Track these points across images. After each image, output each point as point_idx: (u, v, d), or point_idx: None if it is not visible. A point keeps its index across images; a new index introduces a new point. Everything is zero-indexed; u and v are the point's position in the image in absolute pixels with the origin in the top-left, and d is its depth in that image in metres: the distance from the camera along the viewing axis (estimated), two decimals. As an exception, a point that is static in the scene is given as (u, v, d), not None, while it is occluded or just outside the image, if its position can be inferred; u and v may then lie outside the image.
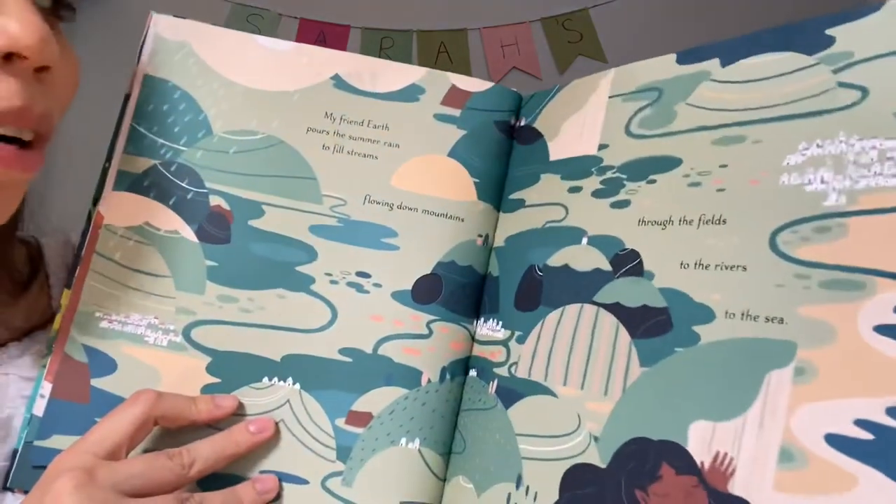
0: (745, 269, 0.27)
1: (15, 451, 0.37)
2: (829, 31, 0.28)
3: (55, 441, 0.37)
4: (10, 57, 0.30)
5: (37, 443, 0.37)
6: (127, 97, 0.41)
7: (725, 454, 0.25)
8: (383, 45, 1.28)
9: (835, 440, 0.23)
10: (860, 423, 0.22)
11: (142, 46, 0.41)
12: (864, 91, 0.26)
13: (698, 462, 0.26)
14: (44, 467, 0.36)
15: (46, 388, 0.37)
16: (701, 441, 0.26)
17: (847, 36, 0.27)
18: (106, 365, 0.38)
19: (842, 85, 0.27)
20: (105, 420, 0.34)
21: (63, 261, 0.44)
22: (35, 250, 0.44)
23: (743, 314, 0.27)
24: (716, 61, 0.32)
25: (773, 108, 0.29)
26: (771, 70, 0.29)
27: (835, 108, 0.27)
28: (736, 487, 0.24)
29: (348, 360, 0.38)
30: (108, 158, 0.40)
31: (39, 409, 0.37)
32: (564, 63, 1.30)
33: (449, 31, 1.30)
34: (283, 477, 0.37)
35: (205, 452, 0.35)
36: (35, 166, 0.33)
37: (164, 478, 0.33)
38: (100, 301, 0.38)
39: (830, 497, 0.22)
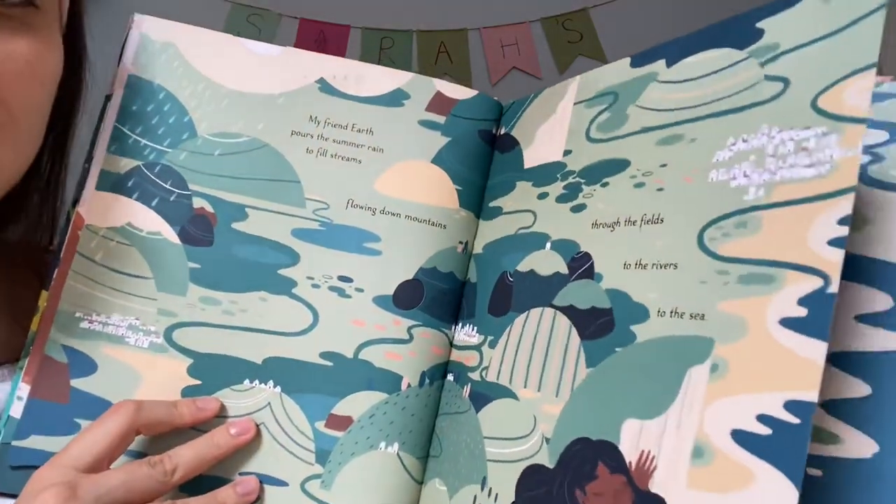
0: (676, 266, 0.28)
1: None
2: (759, 24, 0.28)
3: (34, 441, 0.37)
4: None
5: (14, 443, 0.37)
6: (108, 98, 0.40)
7: (649, 452, 0.26)
8: (383, 45, 1.30)
9: (739, 436, 0.24)
10: (761, 417, 0.23)
11: (123, 47, 0.41)
12: (786, 82, 0.26)
13: (627, 461, 0.27)
14: (22, 468, 0.37)
15: (24, 389, 0.38)
16: (631, 440, 0.27)
17: (774, 27, 0.28)
18: (86, 365, 0.38)
19: (767, 78, 0.27)
20: (86, 432, 0.35)
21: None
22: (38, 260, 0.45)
23: (672, 312, 0.27)
24: (662, 62, 0.33)
25: (708, 106, 0.29)
26: (708, 67, 0.30)
27: (760, 102, 0.27)
28: (655, 485, 0.26)
29: (329, 364, 0.39)
30: (88, 159, 0.40)
31: (17, 410, 0.37)
32: (564, 63, 1.31)
33: (449, 31, 1.31)
34: (263, 479, 0.38)
35: (186, 457, 0.36)
36: None
37: (147, 487, 0.34)
38: (80, 301, 0.39)
39: (731, 493, 0.23)
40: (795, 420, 0.22)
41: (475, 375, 0.38)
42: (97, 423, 0.35)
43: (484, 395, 0.37)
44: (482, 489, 0.34)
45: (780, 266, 0.24)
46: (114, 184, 0.41)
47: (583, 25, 1.32)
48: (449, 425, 0.39)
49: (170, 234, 0.40)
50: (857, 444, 0.24)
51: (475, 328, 0.39)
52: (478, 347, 0.39)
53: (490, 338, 0.38)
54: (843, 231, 0.23)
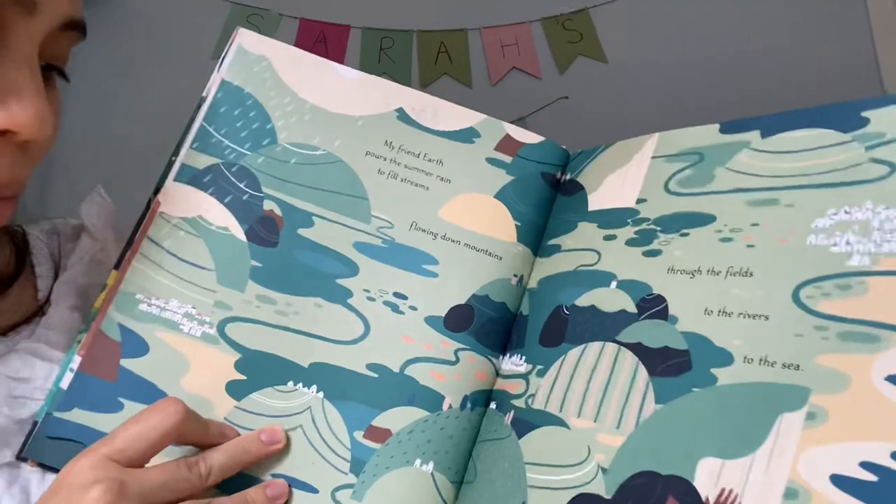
0: (766, 318, 0.30)
1: (35, 423, 0.37)
2: (864, 113, 0.31)
3: (75, 414, 0.37)
4: (4, 133, 0.31)
5: (56, 413, 0.37)
6: (202, 100, 0.43)
7: (731, 490, 0.27)
8: (383, 45, 1.29)
9: (840, 480, 0.25)
10: (865, 465, 0.24)
11: (224, 55, 0.44)
12: (893, 166, 0.29)
13: (703, 496, 0.28)
14: (58, 439, 0.37)
15: (76, 362, 0.38)
16: (708, 477, 0.28)
17: (880, 119, 0.31)
18: (138, 346, 0.39)
19: (874, 161, 0.30)
20: (132, 424, 0.34)
21: (49, 251, 0.44)
22: (20, 240, 0.44)
23: (761, 360, 0.29)
24: (756, 133, 0.35)
25: (807, 177, 0.32)
26: (808, 143, 0.33)
27: (865, 180, 0.30)
28: None
29: (375, 375, 0.39)
30: (175, 153, 0.42)
31: (66, 382, 0.37)
32: (564, 63, 1.31)
33: (449, 31, 1.31)
34: (293, 483, 0.38)
35: (219, 461, 0.36)
36: (7, 215, 0.34)
37: (184, 488, 0.34)
38: (142, 283, 0.40)
39: None
40: None
41: (520, 402, 0.38)
42: (144, 415, 0.34)
43: (528, 421, 0.37)
44: None
45: (886, 328, 0.26)
46: (192, 177, 0.42)
47: (583, 25, 1.32)
48: (487, 451, 0.39)
49: (237, 230, 0.42)
50: None
51: (523, 357, 0.40)
52: (524, 376, 0.39)
53: (539, 367, 0.38)
54: None
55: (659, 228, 0.37)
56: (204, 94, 0.43)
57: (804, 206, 0.31)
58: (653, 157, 0.39)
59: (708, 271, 0.33)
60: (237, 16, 1.29)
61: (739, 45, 1.29)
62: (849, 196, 0.30)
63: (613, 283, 0.37)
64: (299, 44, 1.28)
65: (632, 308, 0.35)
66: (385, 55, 1.29)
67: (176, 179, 0.42)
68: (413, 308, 0.41)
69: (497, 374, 0.41)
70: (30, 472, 0.37)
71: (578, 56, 1.31)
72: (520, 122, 1.25)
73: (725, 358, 0.30)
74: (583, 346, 0.37)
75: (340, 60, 1.26)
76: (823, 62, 1.26)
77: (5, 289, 0.41)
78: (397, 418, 0.39)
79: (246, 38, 0.45)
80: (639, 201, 0.39)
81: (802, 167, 0.32)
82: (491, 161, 0.44)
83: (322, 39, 1.31)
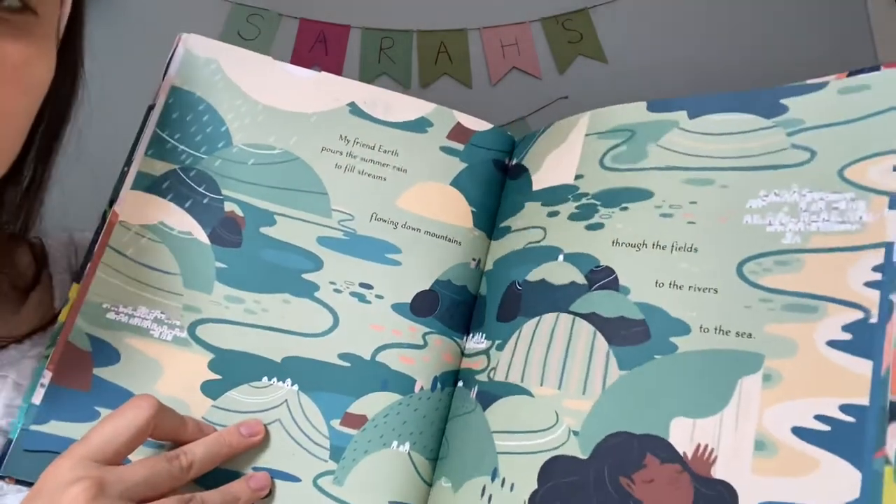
0: (716, 291, 0.33)
1: (9, 441, 0.37)
2: (783, 101, 0.34)
3: (51, 426, 0.38)
4: None
5: (32, 427, 0.37)
6: (150, 107, 0.43)
7: (706, 445, 0.30)
8: (383, 45, 1.28)
9: (800, 432, 0.28)
10: (819, 417, 0.28)
11: (169, 62, 0.44)
12: (813, 153, 0.33)
13: (681, 452, 0.30)
14: (36, 452, 0.37)
15: (47, 376, 0.38)
16: (683, 434, 0.31)
17: (798, 106, 0.34)
18: (109, 355, 0.39)
19: (795, 146, 0.33)
20: (105, 423, 0.34)
21: (67, 261, 0.45)
22: (39, 251, 0.45)
23: (716, 329, 0.32)
24: (683, 113, 0.38)
25: (737, 160, 0.35)
26: (733, 127, 0.36)
27: (789, 165, 0.33)
28: (718, 473, 0.29)
29: (347, 364, 0.41)
30: (128, 162, 0.42)
31: (39, 398, 0.38)
32: (564, 63, 1.31)
33: (449, 31, 1.30)
34: (275, 474, 0.39)
35: (200, 454, 0.37)
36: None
37: (165, 482, 0.35)
38: (108, 293, 0.40)
39: (799, 477, 0.27)
40: (851, 419, 0.26)
41: (482, 377, 0.40)
42: (117, 414, 0.35)
43: (490, 393, 0.39)
44: (493, 480, 0.36)
45: (822, 299, 0.29)
46: (149, 185, 0.42)
47: (583, 25, 1.32)
48: (457, 426, 0.41)
49: (200, 234, 0.42)
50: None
51: (483, 335, 0.42)
52: (486, 352, 0.41)
53: (498, 342, 0.40)
54: (878, 276, 0.28)
55: (599, 203, 0.39)
56: (152, 101, 0.44)
57: (737, 187, 0.34)
58: (587, 135, 0.41)
59: (653, 245, 0.36)
60: (237, 16, 1.27)
61: (739, 45, 1.30)
62: (777, 179, 0.33)
63: (561, 257, 0.39)
64: (299, 44, 1.26)
65: (581, 280, 0.38)
66: (385, 55, 1.28)
67: (133, 188, 0.42)
68: (379, 297, 0.42)
69: (462, 353, 0.43)
70: (7, 488, 0.37)
71: (578, 56, 1.31)
72: (520, 122, 1.25)
73: (683, 328, 0.33)
74: (537, 318, 0.39)
75: (340, 60, 1.25)
76: (824, 62, 1.28)
77: (24, 297, 0.41)
78: (372, 404, 0.41)
79: (192, 42, 0.45)
80: (577, 177, 0.41)
81: (731, 149, 0.35)
82: (444, 149, 0.45)
83: (322, 39, 1.29)
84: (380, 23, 1.30)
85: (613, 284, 0.36)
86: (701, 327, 0.32)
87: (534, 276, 0.40)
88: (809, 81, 0.34)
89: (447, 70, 1.30)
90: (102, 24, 1.21)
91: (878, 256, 0.29)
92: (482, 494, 0.36)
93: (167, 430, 0.37)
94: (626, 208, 0.38)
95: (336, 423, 0.40)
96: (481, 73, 1.32)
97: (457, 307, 0.43)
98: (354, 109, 0.45)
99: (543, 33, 1.33)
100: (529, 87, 1.31)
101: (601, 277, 0.37)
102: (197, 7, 1.24)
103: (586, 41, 1.31)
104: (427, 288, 0.43)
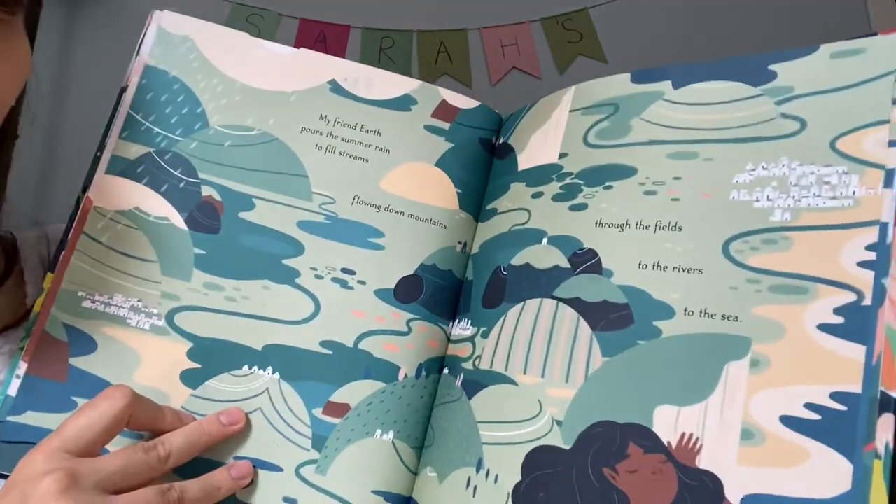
0: (700, 272, 0.31)
1: None
2: (771, 67, 0.32)
3: (29, 417, 0.37)
4: None
5: (10, 418, 0.37)
6: (123, 90, 0.42)
7: (691, 434, 0.28)
8: (383, 45, 1.28)
9: (788, 420, 0.26)
10: (809, 406, 0.26)
11: (141, 41, 0.42)
12: (803, 122, 0.30)
13: (665, 441, 0.29)
14: (15, 443, 0.36)
15: (22, 367, 0.38)
16: (666, 423, 0.29)
17: (787, 72, 0.31)
18: (86, 344, 0.38)
19: (784, 116, 0.31)
20: (80, 414, 0.34)
21: (39, 257, 0.44)
22: (10, 246, 0.44)
23: (701, 312, 0.30)
24: (668, 83, 0.36)
25: (722, 131, 0.33)
26: (720, 96, 0.34)
27: (778, 136, 0.31)
28: (703, 462, 0.28)
29: (329, 352, 0.40)
30: (101, 147, 0.41)
31: (14, 389, 0.37)
32: (564, 63, 1.31)
33: (449, 31, 1.30)
34: (257, 464, 0.38)
35: (178, 444, 0.36)
36: None
37: (143, 472, 0.34)
38: (84, 281, 0.39)
39: (787, 469, 0.26)
40: (843, 408, 0.25)
41: (468, 365, 0.39)
42: (91, 405, 0.34)
43: (476, 381, 0.38)
44: (478, 471, 0.35)
45: (812, 280, 0.27)
46: (124, 169, 0.41)
47: (583, 25, 1.31)
48: (442, 415, 0.40)
49: (177, 219, 0.41)
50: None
51: (469, 321, 0.40)
52: (471, 339, 0.40)
53: (483, 329, 0.39)
54: (872, 255, 0.26)
55: (583, 182, 0.37)
56: (124, 83, 0.42)
57: (723, 160, 0.32)
58: (570, 111, 0.40)
59: (637, 225, 0.34)
60: (237, 16, 1.27)
61: (739, 47, 1.28)
62: (765, 151, 0.31)
63: (545, 240, 0.38)
64: (299, 44, 1.26)
65: (565, 263, 0.36)
66: (385, 55, 1.28)
67: (107, 172, 0.41)
68: (362, 282, 0.41)
69: (448, 340, 0.42)
70: None
71: (578, 56, 1.31)
72: (520, 122, 1.27)
73: (666, 311, 0.31)
74: (521, 304, 0.37)
75: (341, 60, 1.27)
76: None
77: None
78: (355, 392, 0.40)
79: (165, 19, 0.43)
80: (561, 156, 0.39)
81: (716, 120, 0.33)
82: (429, 128, 0.44)
83: (322, 39, 1.29)
84: (380, 23, 1.30)
85: (597, 267, 0.34)
86: (685, 310, 0.31)
87: (518, 260, 0.39)
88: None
89: (447, 70, 1.30)
90: (102, 23, 1.20)
91: (871, 235, 0.27)
92: (467, 486, 0.36)
93: (144, 420, 0.36)
94: (609, 187, 0.36)
95: (318, 411, 0.39)
96: (481, 73, 1.32)
97: (442, 292, 0.42)
98: (335, 87, 0.43)
99: (543, 33, 1.33)
100: (529, 87, 1.30)
101: (585, 260, 0.35)
102: (197, 7, 1.23)
103: (586, 41, 1.31)
104: (411, 273, 0.42)
